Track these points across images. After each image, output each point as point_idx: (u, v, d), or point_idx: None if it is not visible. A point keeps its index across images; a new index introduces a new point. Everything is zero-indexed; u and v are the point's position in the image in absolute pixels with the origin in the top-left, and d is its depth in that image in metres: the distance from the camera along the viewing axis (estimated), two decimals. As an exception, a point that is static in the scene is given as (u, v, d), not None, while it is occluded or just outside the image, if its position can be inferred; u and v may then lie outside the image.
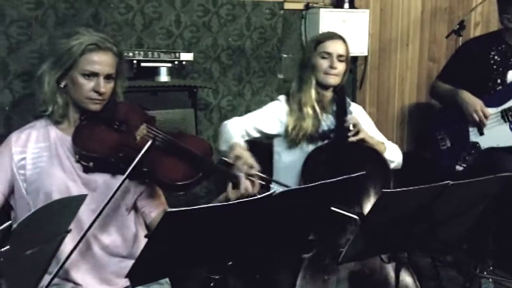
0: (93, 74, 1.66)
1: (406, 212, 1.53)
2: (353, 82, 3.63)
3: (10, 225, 0.86)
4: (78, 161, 1.69)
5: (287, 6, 3.36)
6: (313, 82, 2.26)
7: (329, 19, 3.30)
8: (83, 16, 2.71)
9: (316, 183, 1.33)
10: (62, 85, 1.69)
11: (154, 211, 1.81)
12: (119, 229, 1.75)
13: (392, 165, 2.32)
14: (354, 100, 3.62)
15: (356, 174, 1.39)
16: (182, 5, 3.00)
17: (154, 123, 1.79)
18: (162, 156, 1.69)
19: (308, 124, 2.23)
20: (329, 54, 2.24)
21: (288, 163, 2.30)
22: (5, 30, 2.50)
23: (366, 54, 3.55)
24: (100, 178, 1.70)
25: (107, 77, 1.69)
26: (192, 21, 3.05)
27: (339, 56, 2.25)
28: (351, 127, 2.20)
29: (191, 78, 3.03)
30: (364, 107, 3.73)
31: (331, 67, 2.23)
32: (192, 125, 2.77)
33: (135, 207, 1.81)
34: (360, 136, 2.19)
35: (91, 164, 1.67)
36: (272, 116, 2.30)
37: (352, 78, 3.60)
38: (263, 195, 1.16)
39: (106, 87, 1.68)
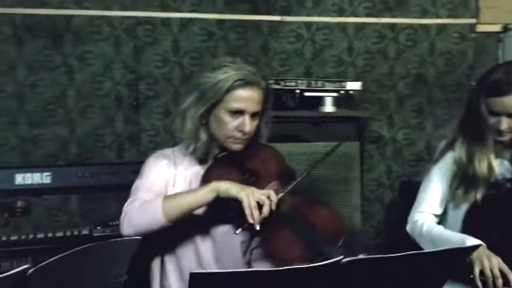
0: (239, 112, 1.53)
1: None
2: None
3: (27, 269, 0.75)
4: None
5: (480, 28, 2.94)
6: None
7: (534, 41, 2.78)
8: (253, 46, 2.72)
9: (405, 253, 0.96)
10: (204, 121, 1.57)
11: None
12: None
13: None
14: None
15: (469, 245, 1.03)
16: (355, 31, 2.83)
17: (289, 180, 1.55)
18: (280, 227, 1.45)
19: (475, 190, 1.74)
20: (498, 113, 1.73)
21: (450, 212, 1.88)
22: (179, 60, 2.64)
23: None
24: (224, 228, 1.56)
25: (253, 114, 1.55)
26: (366, 48, 2.85)
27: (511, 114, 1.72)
28: None
29: (362, 109, 2.81)
30: None
31: (499, 131, 1.72)
32: (357, 160, 2.55)
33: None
34: None
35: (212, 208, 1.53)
36: (449, 175, 1.84)
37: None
38: (327, 262, 0.86)
39: (251, 125, 1.55)
